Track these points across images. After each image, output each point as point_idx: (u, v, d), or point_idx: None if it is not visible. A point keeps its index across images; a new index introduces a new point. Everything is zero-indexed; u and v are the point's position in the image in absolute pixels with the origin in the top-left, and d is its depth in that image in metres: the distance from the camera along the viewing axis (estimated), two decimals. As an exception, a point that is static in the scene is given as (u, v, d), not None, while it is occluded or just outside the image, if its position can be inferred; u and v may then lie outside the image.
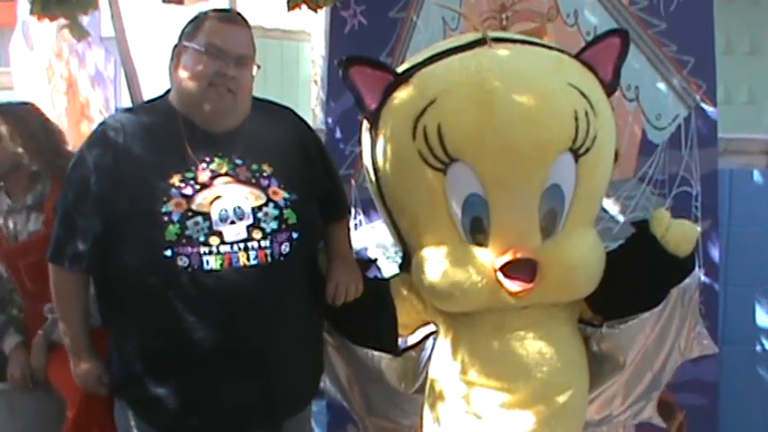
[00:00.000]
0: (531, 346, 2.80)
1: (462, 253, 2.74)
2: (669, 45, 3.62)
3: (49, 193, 3.53)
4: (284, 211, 2.69)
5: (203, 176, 2.64)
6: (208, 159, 2.66)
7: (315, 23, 9.30)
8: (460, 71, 2.70)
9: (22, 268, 3.55)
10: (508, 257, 2.67)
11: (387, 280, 3.04)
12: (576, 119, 2.62)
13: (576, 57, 2.75)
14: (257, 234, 2.64)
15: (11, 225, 3.57)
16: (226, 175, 2.66)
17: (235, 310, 2.60)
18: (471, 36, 2.80)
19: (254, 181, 2.69)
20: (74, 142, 3.91)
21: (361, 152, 3.97)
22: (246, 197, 2.65)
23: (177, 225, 2.57)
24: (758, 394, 4.05)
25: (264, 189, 2.69)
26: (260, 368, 2.65)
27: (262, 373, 2.66)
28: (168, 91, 2.79)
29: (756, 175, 4.03)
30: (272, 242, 2.65)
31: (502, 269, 2.69)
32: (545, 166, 2.64)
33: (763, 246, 3.99)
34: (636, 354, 2.89)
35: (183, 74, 2.67)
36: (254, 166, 2.71)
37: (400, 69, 2.84)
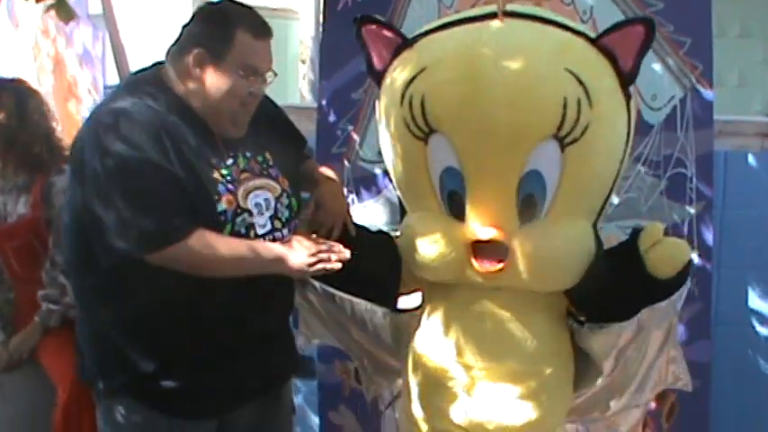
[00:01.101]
0: (502, 328, 2.77)
1: (438, 224, 2.75)
2: (666, 25, 3.59)
3: (38, 177, 3.50)
4: (291, 199, 2.80)
5: (235, 172, 2.65)
6: (231, 154, 2.67)
7: (303, 2, 9.27)
8: (457, 42, 2.68)
9: (9, 251, 3.52)
10: (478, 237, 2.66)
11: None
12: (565, 106, 2.54)
13: (597, 41, 2.64)
14: (278, 224, 2.73)
15: (0, 205, 3.53)
16: (245, 170, 2.68)
17: (259, 297, 2.69)
18: (488, 8, 2.75)
19: (265, 173, 2.73)
20: (61, 122, 3.87)
21: (352, 130, 3.99)
22: (267, 189, 2.72)
23: (230, 224, 2.61)
24: (750, 376, 4.05)
25: (276, 179, 2.75)
26: (268, 344, 2.78)
27: (270, 348, 2.79)
28: (156, 69, 2.72)
29: (751, 158, 4.02)
30: (288, 231, 2.76)
31: (473, 247, 2.67)
32: (523, 151, 2.60)
33: (756, 228, 3.99)
34: (615, 364, 2.86)
35: (212, 88, 2.60)
36: (260, 158, 2.74)
37: (414, 35, 2.82)
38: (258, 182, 2.69)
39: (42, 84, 6.05)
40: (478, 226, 2.68)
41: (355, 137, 3.97)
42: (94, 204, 2.51)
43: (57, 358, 3.46)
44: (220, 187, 2.59)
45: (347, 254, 2.60)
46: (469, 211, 2.71)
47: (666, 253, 2.66)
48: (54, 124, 3.65)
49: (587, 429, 3.20)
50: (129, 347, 2.66)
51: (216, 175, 2.60)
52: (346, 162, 3.99)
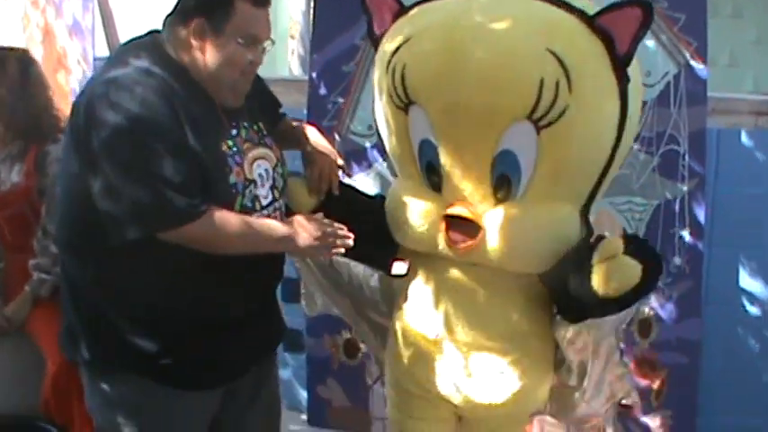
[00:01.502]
0: (475, 302, 2.75)
1: (417, 194, 2.75)
2: (660, 1, 3.57)
3: (33, 146, 3.47)
4: (284, 168, 2.78)
5: (239, 143, 2.63)
6: (234, 124, 2.64)
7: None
8: (446, 13, 2.64)
9: (1, 220, 3.51)
10: (450, 211, 2.64)
11: None
12: (541, 88, 2.45)
13: (593, 22, 2.52)
14: (276, 194, 2.71)
15: None
16: (246, 141, 2.65)
17: (263, 271, 2.71)
18: None
19: (262, 142, 2.70)
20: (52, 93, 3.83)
21: (343, 103, 3.97)
22: (266, 159, 2.69)
23: (241, 195, 2.58)
24: (740, 355, 4.05)
25: (270, 148, 2.73)
26: (266, 314, 2.81)
27: (270, 318, 2.83)
28: (152, 36, 2.67)
29: (744, 136, 4.00)
30: (282, 200, 2.76)
31: (446, 220, 2.65)
32: (496, 130, 2.55)
33: (748, 207, 3.98)
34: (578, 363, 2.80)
35: (212, 58, 2.54)
36: (255, 127, 2.72)
37: (413, 1, 2.79)
38: (258, 151, 2.66)
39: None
40: (454, 200, 2.66)
41: (346, 110, 3.95)
42: (103, 180, 2.42)
43: (46, 329, 3.44)
44: (229, 159, 2.57)
45: (351, 240, 2.60)
46: (444, 185, 2.69)
47: (613, 272, 2.47)
48: (51, 94, 3.62)
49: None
50: (127, 325, 2.59)
51: (224, 147, 2.57)
52: (337, 135, 3.97)
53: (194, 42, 2.55)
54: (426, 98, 2.62)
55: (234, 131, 2.62)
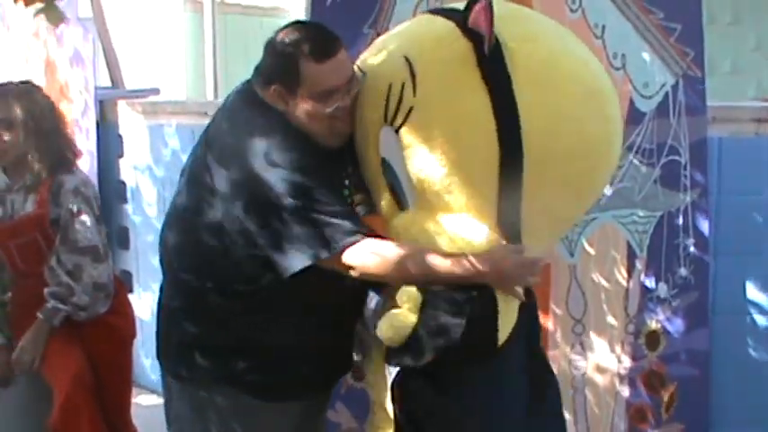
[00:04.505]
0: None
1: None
2: (656, 12, 3.57)
3: (47, 176, 3.47)
4: None
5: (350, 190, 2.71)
6: (344, 173, 2.71)
7: (293, 0, 9.26)
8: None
9: (13, 248, 3.51)
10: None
11: None
12: (389, 92, 2.51)
13: (465, 24, 2.47)
14: None
15: (8, 204, 3.52)
16: (353, 184, 2.72)
17: (351, 309, 2.74)
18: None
19: (361, 185, 2.72)
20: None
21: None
22: (363, 204, 2.72)
23: None
24: (749, 365, 4.02)
25: (367, 193, 2.75)
26: (348, 341, 2.84)
27: (348, 344, 2.85)
28: (250, 86, 2.71)
29: (746, 144, 3.99)
30: None
31: None
32: (369, 139, 2.59)
33: (753, 215, 3.96)
34: None
35: (299, 116, 2.59)
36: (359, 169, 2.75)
37: None
38: (360, 197, 2.72)
39: (34, 86, 6.05)
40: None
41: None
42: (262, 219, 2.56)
43: (53, 358, 3.43)
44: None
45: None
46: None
47: (386, 324, 2.50)
48: (64, 126, 3.66)
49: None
50: (226, 347, 2.72)
51: (345, 194, 2.68)
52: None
53: (280, 104, 2.61)
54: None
55: (346, 181, 2.70)
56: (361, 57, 2.69)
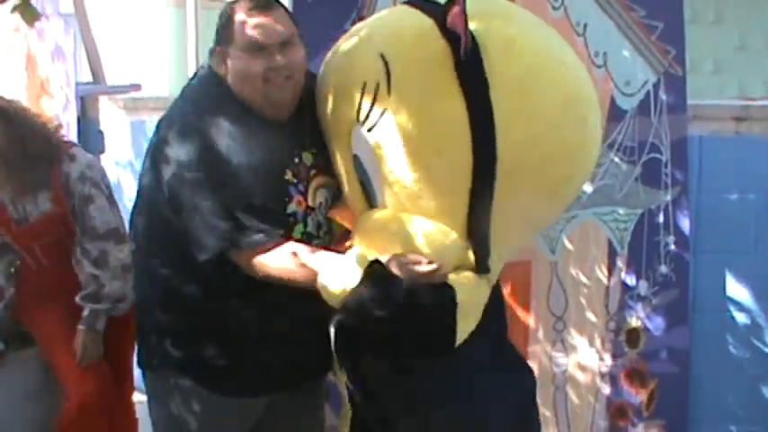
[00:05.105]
0: None
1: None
2: (637, 10, 3.58)
3: (53, 170, 3.43)
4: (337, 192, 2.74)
5: (303, 170, 2.63)
6: (297, 152, 2.64)
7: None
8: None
9: (37, 249, 3.48)
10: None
11: None
12: (363, 90, 2.46)
13: (444, 24, 2.42)
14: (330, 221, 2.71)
15: (19, 207, 3.46)
16: (312, 167, 2.65)
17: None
18: None
19: (327, 169, 2.68)
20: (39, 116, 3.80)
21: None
22: (328, 186, 2.68)
23: (302, 224, 2.61)
24: (729, 362, 4.03)
25: (333, 176, 2.69)
26: (316, 331, 2.66)
27: (316, 341, 2.67)
28: (206, 75, 2.71)
29: (727, 142, 4.01)
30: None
31: None
32: (341, 136, 2.56)
33: (733, 213, 3.97)
34: None
35: (235, 78, 2.58)
36: (324, 152, 2.68)
37: None
38: (323, 179, 2.67)
39: (15, 81, 6.01)
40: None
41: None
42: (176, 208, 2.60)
43: (73, 364, 3.40)
44: (290, 188, 2.59)
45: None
46: None
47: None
48: (37, 119, 3.58)
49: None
50: (187, 329, 2.71)
51: (288, 175, 2.60)
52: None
53: (222, 69, 2.60)
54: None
55: (297, 159, 2.63)
56: (337, 45, 2.66)
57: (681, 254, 3.79)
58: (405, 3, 2.65)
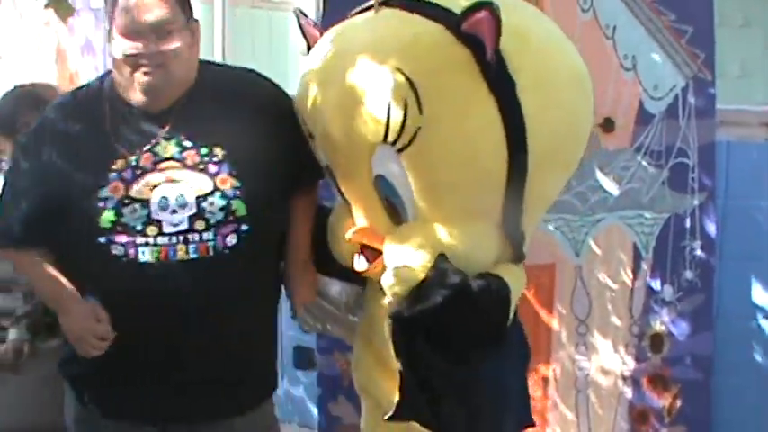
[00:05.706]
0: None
1: (341, 214, 2.67)
2: (667, 14, 3.57)
3: None
4: (232, 202, 2.51)
5: (145, 161, 2.50)
6: (153, 142, 2.51)
7: (304, -6, 9.25)
8: (332, 38, 2.58)
9: None
10: (347, 236, 2.58)
11: None
12: (389, 111, 2.35)
13: (458, 28, 2.34)
14: (200, 225, 2.48)
15: None
16: (171, 159, 2.50)
17: (171, 305, 2.48)
18: None
19: (201, 167, 2.51)
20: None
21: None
22: (191, 185, 2.49)
23: (112, 212, 2.46)
24: (753, 369, 4.01)
25: (213, 176, 2.51)
26: (204, 366, 2.56)
27: (204, 370, 2.57)
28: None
29: (755, 148, 3.98)
30: (215, 234, 2.49)
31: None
32: (361, 157, 2.47)
33: (760, 219, 3.94)
34: None
35: (114, 69, 2.51)
36: (204, 150, 2.52)
37: None
38: (182, 174, 2.50)
39: (45, 75, 6.05)
40: (354, 225, 2.59)
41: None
42: None
43: None
44: (112, 175, 2.48)
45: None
46: (352, 210, 2.63)
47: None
48: None
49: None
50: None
51: (117, 164, 2.49)
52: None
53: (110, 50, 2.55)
54: (311, 127, 2.58)
55: (147, 147, 2.51)
56: (312, 59, 2.57)
57: (707, 259, 3.77)
58: (382, 4, 2.52)
